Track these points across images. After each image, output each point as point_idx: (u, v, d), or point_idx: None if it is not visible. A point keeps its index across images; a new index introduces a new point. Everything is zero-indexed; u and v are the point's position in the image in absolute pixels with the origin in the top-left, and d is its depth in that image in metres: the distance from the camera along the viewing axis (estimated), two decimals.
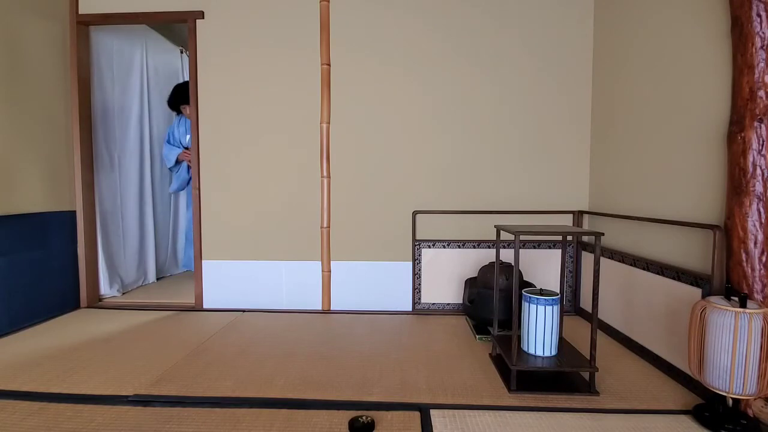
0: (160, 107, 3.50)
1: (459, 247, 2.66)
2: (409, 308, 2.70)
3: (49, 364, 1.87)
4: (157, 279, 3.46)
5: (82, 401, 1.56)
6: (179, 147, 3.37)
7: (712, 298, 1.41)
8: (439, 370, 1.82)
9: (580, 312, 2.61)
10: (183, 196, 3.82)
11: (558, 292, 1.80)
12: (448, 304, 2.68)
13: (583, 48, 2.59)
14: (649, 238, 2.00)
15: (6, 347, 2.08)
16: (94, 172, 2.83)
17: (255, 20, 2.67)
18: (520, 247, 1.66)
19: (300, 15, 2.63)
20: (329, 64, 2.65)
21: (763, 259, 1.41)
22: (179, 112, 3.39)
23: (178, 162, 3.41)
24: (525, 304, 1.74)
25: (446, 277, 2.67)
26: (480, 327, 2.30)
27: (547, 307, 1.69)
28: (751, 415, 1.40)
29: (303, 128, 2.67)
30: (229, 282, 2.74)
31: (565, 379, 1.72)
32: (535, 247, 2.64)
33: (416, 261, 2.67)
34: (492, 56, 2.62)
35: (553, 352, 1.72)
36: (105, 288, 2.91)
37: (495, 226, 1.88)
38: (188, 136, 3.27)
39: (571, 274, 2.65)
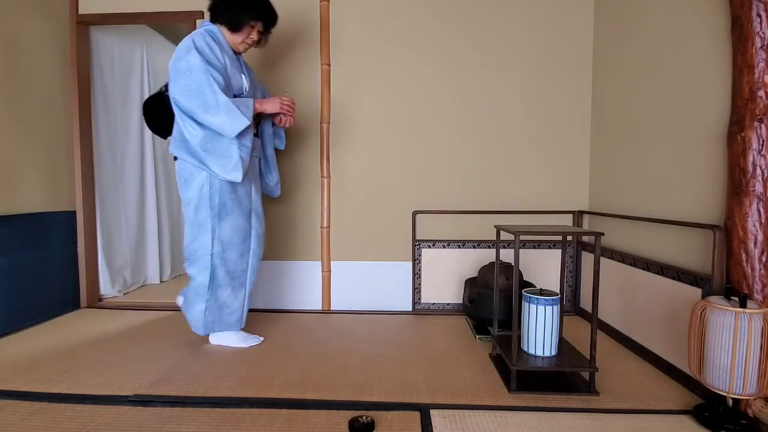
0: None
1: (459, 247, 2.66)
2: (409, 308, 2.70)
3: (49, 364, 1.87)
4: (163, 279, 3.46)
5: (82, 401, 1.56)
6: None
7: (712, 298, 1.41)
8: (439, 370, 1.82)
9: (580, 312, 2.60)
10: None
11: (558, 292, 1.80)
12: (448, 304, 2.68)
13: (584, 48, 2.59)
14: (649, 238, 2.00)
15: (6, 347, 2.08)
16: (94, 172, 2.83)
17: None
18: (520, 247, 1.66)
19: (300, 15, 2.63)
20: (329, 64, 2.64)
21: (763, 259, 1.41)
22: (237, 29, 1.90)
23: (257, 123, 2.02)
24: (525, 304, 1.74)
25: (446, 277, 2.67)
26: (480, 327, 2.30)
27: (547, 307, 1.69)
28: (751, 415, 1.40)
29: (303, 128, 2.67)
30: None
31: (565, 379, 1.72)
32: (535, 247, 2.64)
33: (416, 261, 2.67)
34: (492, 56, 2.62)
35: (553, 352, 1.72)
36: (106, 288, 2.91)
37: (495, 226, 1.88)
38: (244, 78, 1.98)
39: (571, 274, 2.65)
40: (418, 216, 2.68)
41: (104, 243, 2.90)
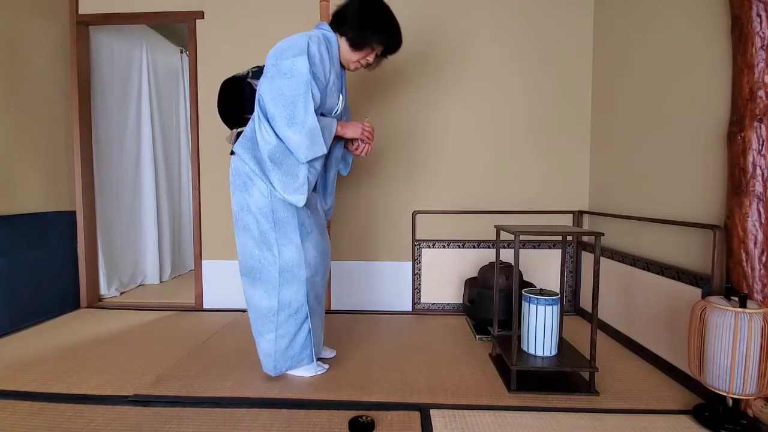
0: (160, 107, 3.50)
1: (459, 247, 2.66)
2: (409, 308, 2.70)
3: (49, 364, 1.87)
4: (163, 279, 3.46)
5: (82, 401, 1.56)
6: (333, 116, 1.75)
7: (712, 298, 1.41)
8: (439, 370, 1.82)
9: (580, 312, 2.60)
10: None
11: (558, 292, 1.80)
12: (448, 304, 2.68)
13: (584, 48, 2.59)
14: (649, 238, 2.00)
15: (6, 347, 2.08)
16: (94, 172, 2.83)
17: (255, 20, 2.67)
18: (520, 247, 1.66)
19: (300, 15, 2.63)
20: None
21: (763, 259, 1.41)
22: (359, 48, 1.69)
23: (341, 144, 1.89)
24: (525, 304, 1.74)
25: (446, 277, 2.67)
26: (480, 327, 2.30)
27: (547, 307, 1.69)
28: (751, 415, 1.40)
29: None
30: (229, 282, 2.74)
31: (565, 379, 1.72)
32: (535, 247, 2.64)
33: (416, 261, 2.67)
34: (492, 56, 2.62)
35: (553, 352, 1.72)
36: (104, 288, 2.91)
37: (495, 226, 1.88)
38: (341, 99, 1.77)
39: (571, 274, 2.65)
40: (418, 216, 2.68)
41: (102, 243, 2.90)
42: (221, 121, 1.99)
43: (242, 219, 1.68)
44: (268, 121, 1.55)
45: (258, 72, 1.73)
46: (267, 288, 1.69)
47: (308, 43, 1.56)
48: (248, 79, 1.74)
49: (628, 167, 2.20)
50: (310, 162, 1.60)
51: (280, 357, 1.71)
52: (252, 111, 1.64)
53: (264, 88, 1.54)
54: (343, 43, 1.69)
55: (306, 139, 1.53)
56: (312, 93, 1.53)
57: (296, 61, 1.52)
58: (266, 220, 1.64)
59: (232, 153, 1.71)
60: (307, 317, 1.73)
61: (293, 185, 1.58)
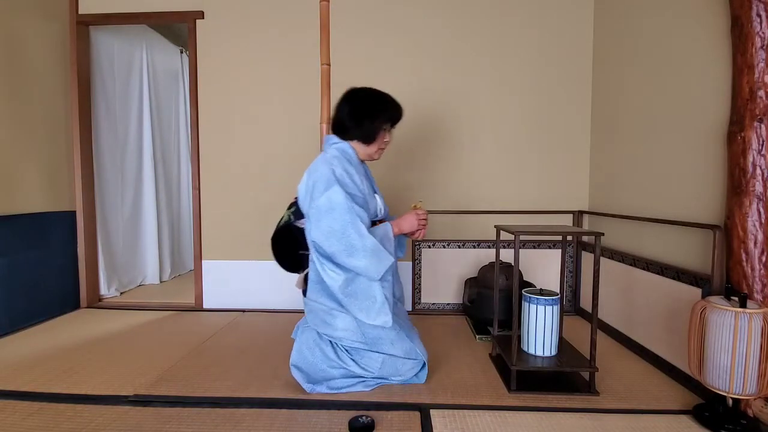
0: (160, 107, 3.50)
1: (459, 247, 2.66)
2: (409, 308, 2.70)
3: (49, 364, 1.87)
4: (163, 279, 3.46)
5: (82, 401, 1.56)
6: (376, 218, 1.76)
7: (712, 298, 1.41)
8: (439, 370, 1.82)
9: (580, 312, 2.60)
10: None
11: (558, 292, 1.80)
12: (448, 304, 2.68)
13: (584, 47, 2.59)
14: (649, 238, 2.00)
15: (6, 347, 2.08)
16: (94, 172, 2.83)
17: (255, 20, 2.67)
18: (520, 247, 1.66)
19: (300, 15, 2.63)
20: (329, 64, 2.64)
21: (763, 259, 1.41)
22: (372, 139, 1.72)
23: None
24: (525, 304, 1.74)
25: (446, 277, 2.67)
26: (480, 327, 2.30)
27: (547, 307, 1.69)
28: (751, 415, 1.40)
29: (303, 128, 2.67)
30: (229, 282, 2.74)
31: (565, 379, 1.72)
32: (535, 247, 2.64)
33: (416, 261, 2.67)
34: (492, 56, 2.62)
35: (553, 352, 1.72)
36: (104, 288, 2.91)
37: (495, 226, 1.88)
38: (378, 198, 1.80)
39: (571, 274, 2.65)
40: None
41: (102, 243, 2.90)
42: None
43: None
44: (329, 260, 1.58)
45: (296, 211, 1.72)
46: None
47: (333, 170, 1.58)
48: (292, 224, 1.75)
49: (628, 167, 2.20)
50: (380, 278, 1.60)
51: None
52: (304, 247, 1.68)
53: (314, 233, 1.57)
54: (357, 144, 1.72)
55: (372, 259, 1.55)
56: (358, 215, 1.55)
57: (330, 195, 1.54)
58: (359, 341, 1.64)
59: (304, 294, 1.73)
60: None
61: (374, 309, 1.59)
